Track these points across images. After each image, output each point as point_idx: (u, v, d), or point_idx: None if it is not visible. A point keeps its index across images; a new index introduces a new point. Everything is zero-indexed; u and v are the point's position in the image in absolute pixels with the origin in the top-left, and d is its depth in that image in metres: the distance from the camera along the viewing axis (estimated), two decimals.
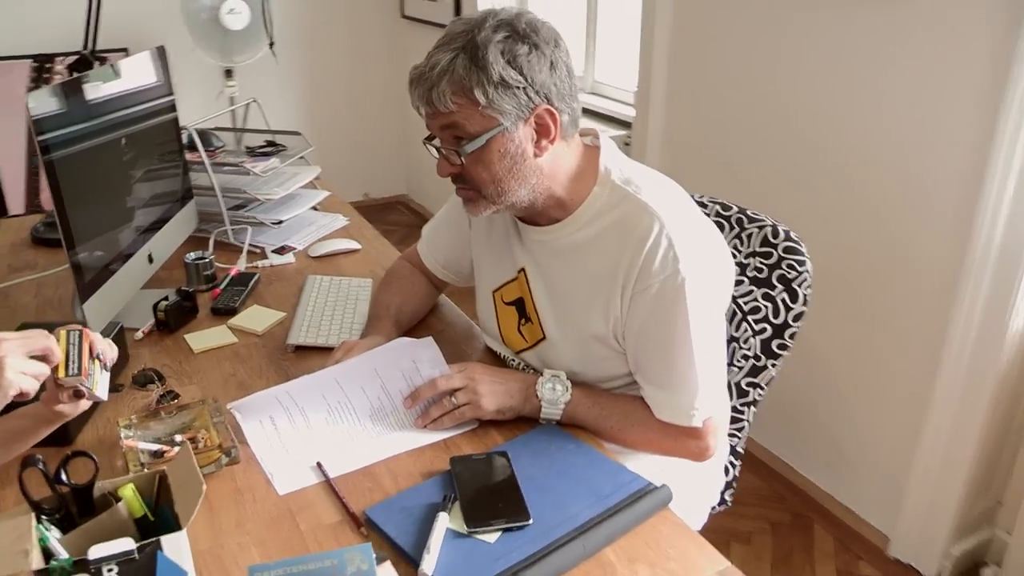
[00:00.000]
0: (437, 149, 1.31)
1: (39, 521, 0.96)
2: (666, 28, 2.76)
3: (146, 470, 1.24)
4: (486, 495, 1.17)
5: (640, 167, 1.37)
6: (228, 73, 3.81)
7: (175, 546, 0.93)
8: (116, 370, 1.55)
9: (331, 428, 1.35)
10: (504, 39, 1.21)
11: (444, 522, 1.12)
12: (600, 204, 1.33)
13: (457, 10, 3.95)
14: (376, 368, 1.38)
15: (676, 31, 2.74)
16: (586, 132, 1.39)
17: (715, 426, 1.33)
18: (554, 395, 1.34)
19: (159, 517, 1.03)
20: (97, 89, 1.63)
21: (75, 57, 2.74)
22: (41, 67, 2.95)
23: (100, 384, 1.10)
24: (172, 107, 1.96)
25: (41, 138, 1.40)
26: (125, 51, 3.97)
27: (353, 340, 1.53)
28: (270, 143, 2.27)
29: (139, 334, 1.69)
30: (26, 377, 0.98)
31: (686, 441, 1.33)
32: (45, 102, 1.43)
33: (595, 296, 1.33)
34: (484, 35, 1.21)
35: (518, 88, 1.22)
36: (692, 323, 1.26)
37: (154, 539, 0.92)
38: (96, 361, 1.10)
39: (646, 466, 1.33)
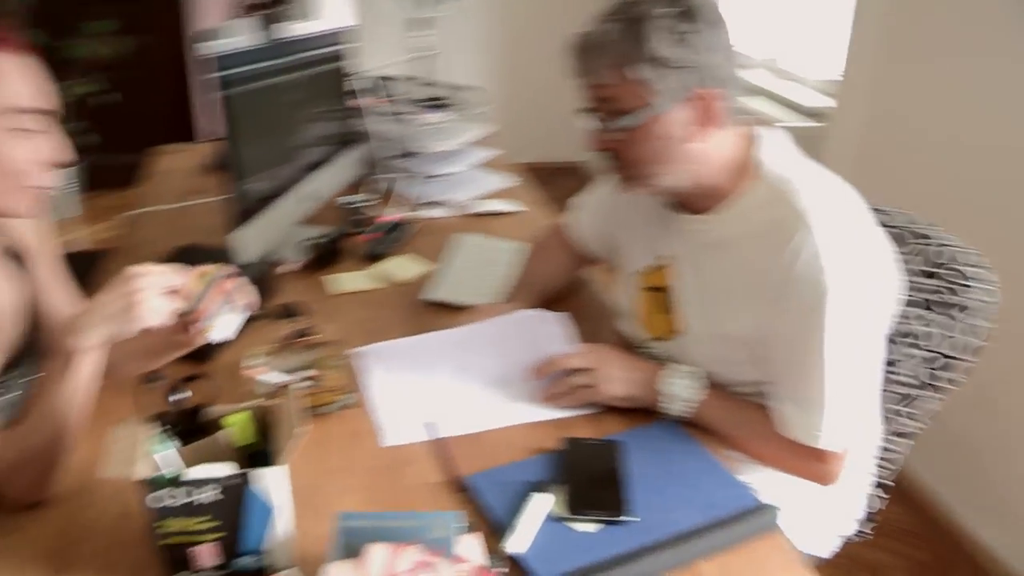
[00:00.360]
0: (590, 122, 1.26)
1: (158, 434, 1.00)
2: (879, 15, 2.56)
3: (264, 400, 1.27)
4: (592, 483, 1.13)
5: (807, 166, 1.27)
6: (419, 23, 3.86)
7: (268, 481, 0.95)
8: (263, 300, 1.60)
9: (450, 388, 1.35)
10: (670, 15, 1.15)
11: (541, 501, 1.09)
12: (753, 200, 1.24)
13: None
14: (504, 335, 1.36)
15: (893, 15, 2.53)
16: (750, 121, 1.30)
17: (843, 451, 1.23)
18: (684, 391, 1.28)
19: (267, 450, 1.05)
20: (279, 27, 1.67)
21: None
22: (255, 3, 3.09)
23: (222, 326, 1.12)
24: (349, 52, 1.99)
25: (222, 72, 1.45)
26: None
27: (494, 304, 1.51)
28: (446, 97, 2.27)
29: (288, 268, 1.74)
30: (157, 312, 1.02)
31: (810, 462, 1.23)
32: (229, 36, 1.49)
33: (738, 295, 1.25)
34: (649, 9, 1.15)
35: (678, 68, 1.16)
36: (830, 338, 1.16)
37: (245, 471, 0.93)
38: (227, 304, 1.13)
39: (772, 481, 1.25)
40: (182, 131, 4.24)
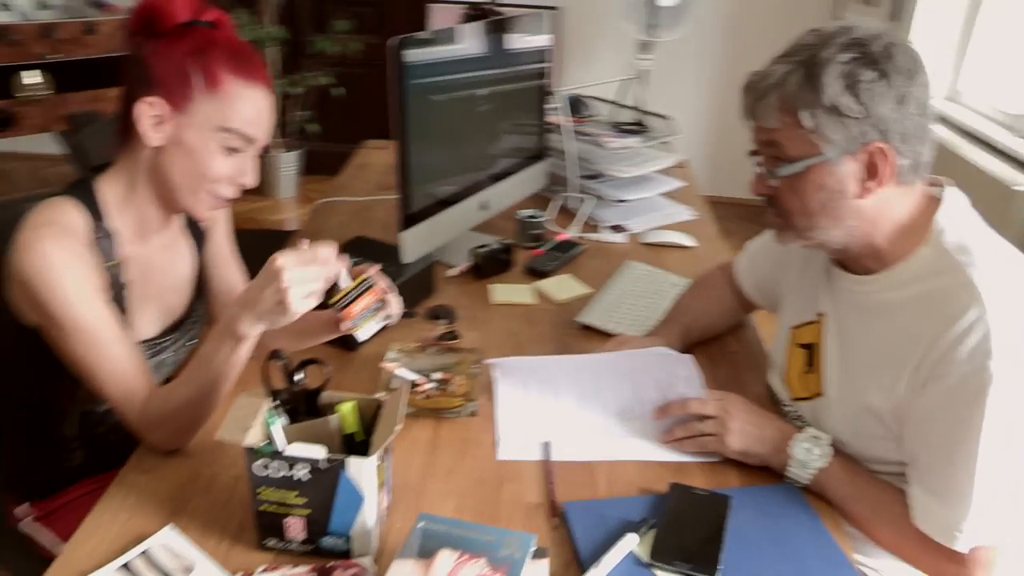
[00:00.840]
0: (757, 164, 1.22)
1: (272, 408, 1.08)
2: None
3: (374, 394, 1.33)
4: (685, 533, 1.10)
5: (990, 237, 1.16)
6: (643, 46, 3.86)
7: (359, 470, 0.99)
8: (420, 298, 1.68)
9: (572, 412, 1.35)
10: (850, 61, 1.08)
11: (629, 543, 1.07)
12: (921, 267, 1.15)
13: (894, 15, 3.62)
14: (636, 369, 1.35)
15: None
16: (934, 182, 1.21)
17: (987, 559, 1.11)
18: (808, 457, 1.21)
19: (368, 440, 1.10)
20: (480, 38, 1.73)
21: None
22: (474, 15, 3.24)
23: (364, 328, 1.21)
24: (545, 69, 2.03)
25: (413, 80, 1.53)
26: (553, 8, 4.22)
27: (630, 336, 1.50)
28: (639, 123, 2.27)
29: (452, 272, 1.80)
30: (305, 304, 1.09)
31: (942, 563, 1.12)
32: (419, 44, 1.56)
33: (885, 366, 1.16)
34: (828, 53, 1.09)
35: (852, 118, 1.08)
36: (988, 431, 1.05)
37: (340, 457, 0.98)
38: (375, 309, 1.21)
39: (897, 572, 1.16)
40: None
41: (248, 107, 1.19)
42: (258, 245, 1.54)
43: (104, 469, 1.43)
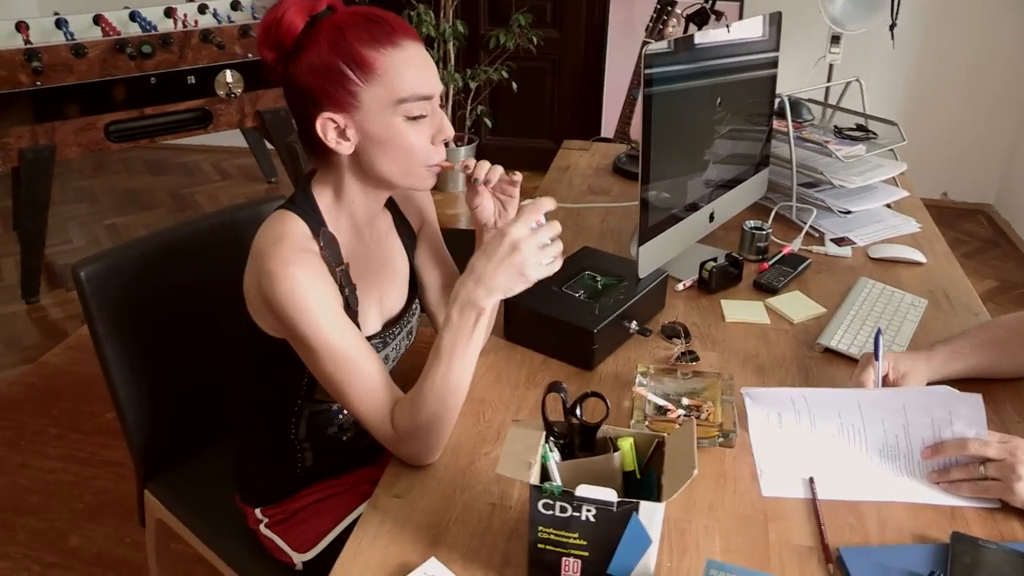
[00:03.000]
0: None
1: (547, 440, 1.03)
2: None
3: (647, 423, 1.27)
4: None
5: None
6: (835, 40, 3.67)
7: (650, 514, 0.94)
8: (653, 314, 1.61)
9: (835, 447, 1.25)
10: None
11: None
12: None
13: None
14: (905, 406, 1.24)
15: None
16: None
17: None
18: None
19: (644, 478, 1.04)
20: (707, 44, 1.65)
21: (695, 7, 2.84)
22: (663, 7, 3.12)
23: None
24: (773, 73, 1.92)
25: (648, 87, 1.46)
26: (740, 1, 4.06)
27: (899, 355, 1.37)
28: (861, 127, 2.13)
29: (681, 286, 1.73)
30: (546, 268, 1.11)
31: None
32: (659, 51, 1.49)
33: None
34: None
35: None
36: None
37: (635, 501, 0.93)
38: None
39: None
40: (585, 127, 4.42)
41: (408, 70, 1.15)
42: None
43: (332, 473, 1.44)
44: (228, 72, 3.31)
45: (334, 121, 1.16)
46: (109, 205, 4.37)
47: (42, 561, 2.18)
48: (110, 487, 2.41)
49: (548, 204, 1.12)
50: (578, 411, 1.05)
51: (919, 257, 1.90)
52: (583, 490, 0.94)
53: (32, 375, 2.94)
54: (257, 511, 1.44)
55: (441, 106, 1.23)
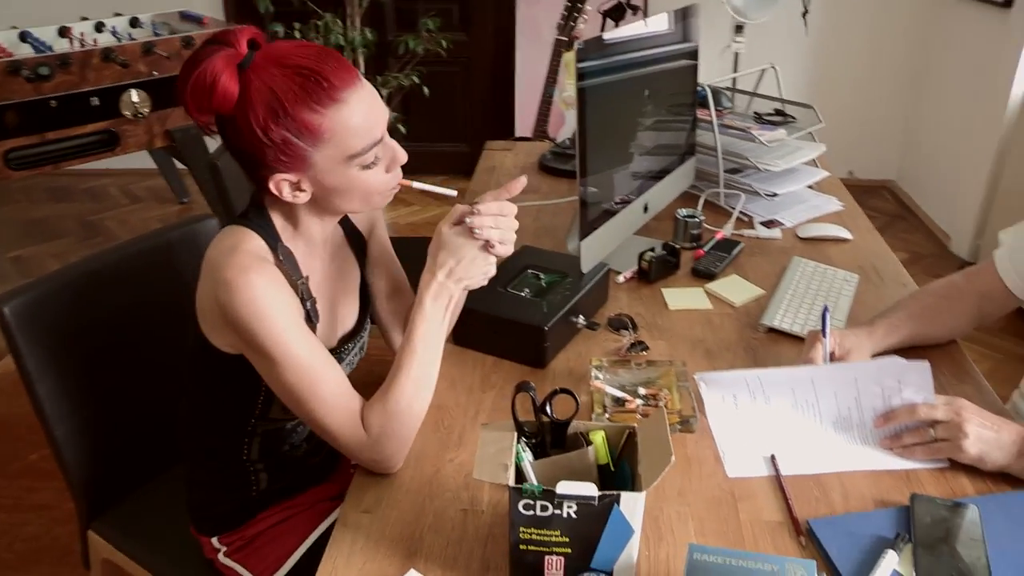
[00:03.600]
0: None
1: (518, 441, 1.03)
2: None
3: (608, 416, 1.27)
4: (946, 550, 1.04)
5: None
6: (739, 29, 3.76)
7: (631, 505, 0.94)
8: (597, 308, 1.62)
9: (792, 423, 1.29)
10: None
11: (892, 561, 1.02)
12: None
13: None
14: (856, 378, 1.27)
15: None
16: None
17: None
18: None
19: (618, 470, 1.04)
20: (631, 38, 1.67)
21: (612, 3, 2.88)
22: (574, 5, 3.15)
23: None
24: (694, 64, 1.95)
25: (581, 82, 1.47)
26: None
27: (844, 332, 1.41)
28: (779, 112, 2.19)
29: (622, 278, 1.74)
30: (506, 249, 1.20)
31: None
32: (588, 49, 1.50)
33: None
34: None
35: None
36: None
37: (615, 492, 0.93)
38: None
39: None
40: (499, 128, 4.42)
41: (355, 121, 1.10)
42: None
43: (287, 494, 1.41)
44: (134, 91, 3.20)
45: (288, 180, 1.12)
46: (12, 236, 4.17)
47: None
48: (42, 531, 2.30)
49: (518, 186, 1.19)
50: (548, 409, 1.04)
51: (845, 234, 1.96)
52: (564, 487, 0.94)
53: None
54: (214, 540, 1.39)
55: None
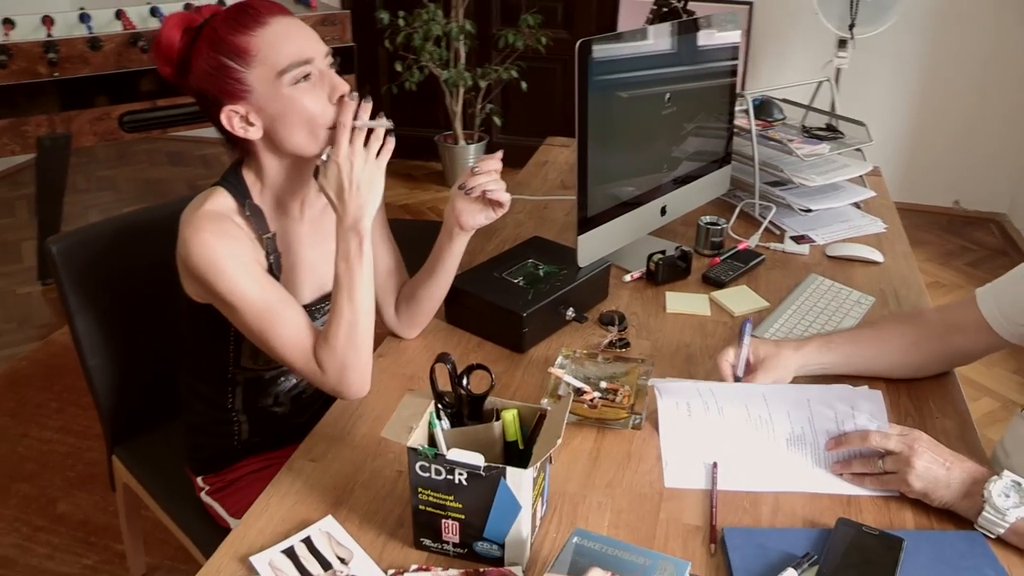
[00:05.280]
0: None
1: (437, 410, 1.09)
2: None
3: (538, 403, 1.32)
4: (850, 575, 1.03)
5: None
6: (841, 44, 3.67)
7: (517, 480, 0.99)
8: (593, 303, 1.66)
9: (743, 436, 1.29)
10: None
11: None
12: None
13: None
14: (809, 399, 1.27)
15: None
16: None
17: None
18: (1005, 504, 1.10)
19: (527, 448, 1.10)
20: (666, 38, 1.70)
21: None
22: (659, 7, 3.17)
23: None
24: (732, 68, 1.95)
25: (584, 78, 1.52)
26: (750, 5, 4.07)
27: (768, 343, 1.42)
28: (830, 127, 2.15)
29: (628, 277, 1.78)
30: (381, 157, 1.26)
31: None
32: (598, 44, 1.54)
33: None
34: None
35: None
36: None
37: (501, 466, 0.98)
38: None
39: None
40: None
41: (280, 42, 1.22)
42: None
43: (268, 447, 1.52)
44: None
45: (235, 111, 1.24)
46: (129, 194, 4.52)
47: (31, 524, 2.29)
48: (100, 458, 2.51)
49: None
50: (464, 381, 1.11)
51: (876, 256, 1.92)
52: (453, 454, 1.00)
53: (40, 352, 3.08)
54: (199, 479, 1.52)
55: (335, 68, 1.29)
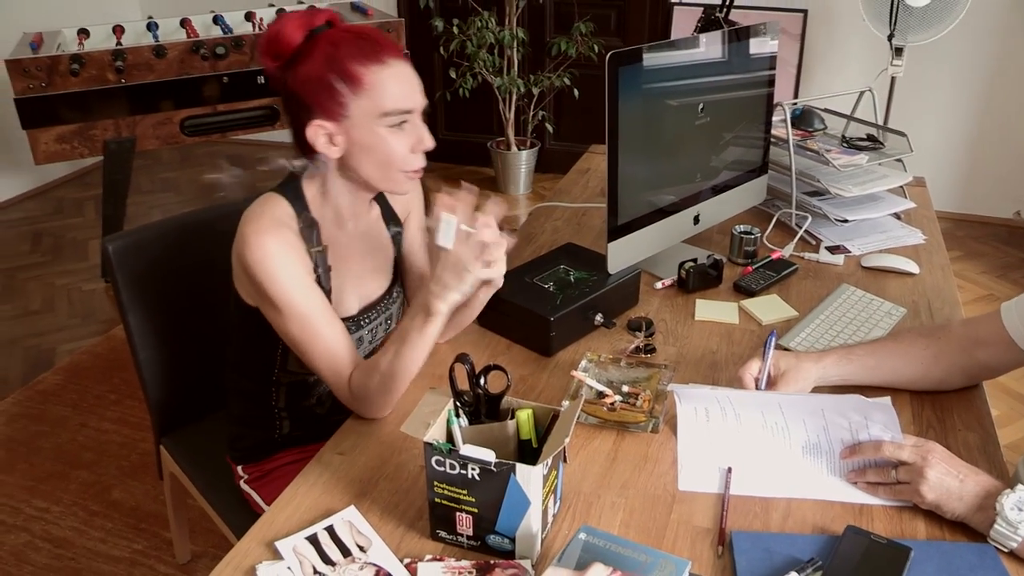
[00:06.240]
0: None
1: (456, 407, 1.14)
2: None
3: (557, 405, 1.36)
4: None
5: None
6: (898, 51, 3.63)
7: (527, 477, 1.03)
8: (622, 309, 1.69)
9: (760, 442, 1.31)
10: None
11: None
12: None
13: None
14: (823, 409, 1.29)
15: None
16: None
17: None
18: (1019, 518, 1.11)
19: (540, 446, 1.14)
20: (701, 47, 1.73)
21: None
22: (708, 17, 3.19)
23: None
24: (769, 78, 1.96)
25: (614, 87, 1.56)
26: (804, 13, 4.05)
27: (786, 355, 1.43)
28: (871, 137, 2.15)
29: (660, 285, 1.80)
30: (480, 264, 1.22)
31: None
32: (629, 53, 1.58)
33: None
34: None
35: None
36: None
37: (511, 463, 1.03)
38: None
39: None
40: None
41: (393, 85, 1.27)
42: None
43: (307, 441, 1.58)
44: None
45: (324, 128, 1.30)
46: (190, 196, 4.67)
47: (88, 509, 2.41)
48: (152, 449, 2.61)
49: (494, 212, 1.23)
50: (482, 381, 1.15)
51: (912, 268, 1.91)
52: (466, 449, 1.05)
53: (101, 346, 3.22)
54: (239, 468, 1.59)
55: (425, 120, 1.35)
